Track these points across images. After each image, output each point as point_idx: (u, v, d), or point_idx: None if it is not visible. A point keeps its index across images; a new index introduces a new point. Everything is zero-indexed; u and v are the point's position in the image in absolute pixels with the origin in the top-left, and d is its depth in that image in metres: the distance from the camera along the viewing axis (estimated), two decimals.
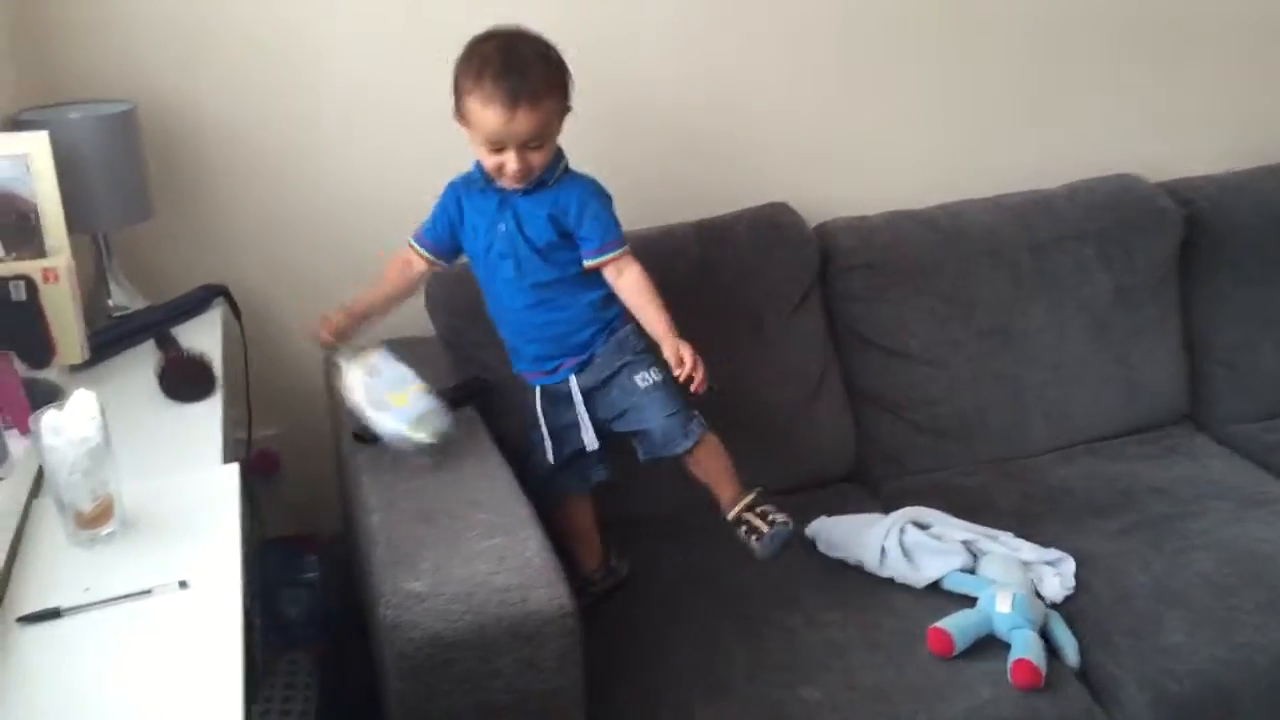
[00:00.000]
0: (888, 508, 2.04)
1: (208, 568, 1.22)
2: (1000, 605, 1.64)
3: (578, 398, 1.72)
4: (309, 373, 2.10)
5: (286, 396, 2.16)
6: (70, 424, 1.23)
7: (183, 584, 1.18)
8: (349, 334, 1.75)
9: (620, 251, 1.69)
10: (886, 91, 2.35)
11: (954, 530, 1.87)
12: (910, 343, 2.18)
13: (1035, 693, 1.57)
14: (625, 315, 1.73)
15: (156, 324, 1.80)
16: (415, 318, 2.02)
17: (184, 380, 1.63)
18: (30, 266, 1.59)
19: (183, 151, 1.98)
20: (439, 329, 2.00)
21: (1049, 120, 2.47)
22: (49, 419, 1.23)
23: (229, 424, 1.65)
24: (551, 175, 1.66)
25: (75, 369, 1.69)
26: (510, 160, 1.60)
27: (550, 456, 1.77)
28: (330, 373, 1.74)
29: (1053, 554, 1.84)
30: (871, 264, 2.18)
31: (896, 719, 1.52)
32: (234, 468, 1.42)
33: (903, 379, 2.19)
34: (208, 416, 1.59)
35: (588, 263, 1.68)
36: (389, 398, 1.66)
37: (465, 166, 1.88)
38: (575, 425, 1.73)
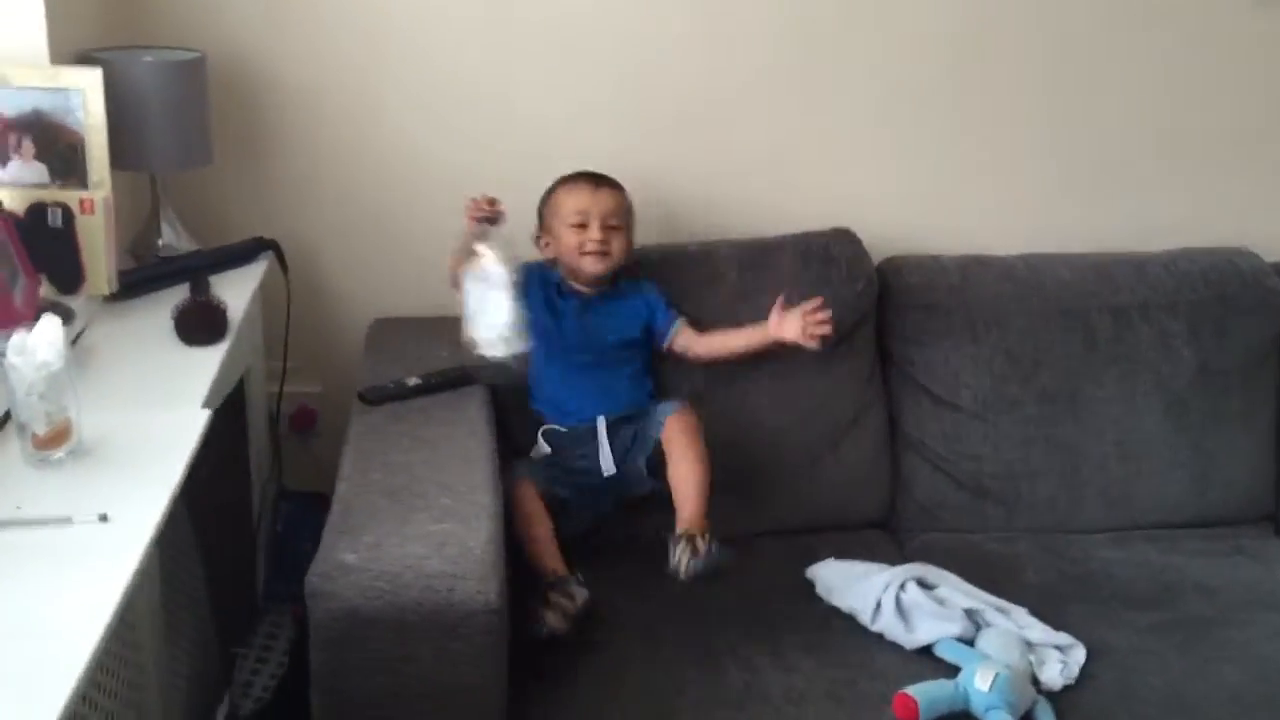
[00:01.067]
0: (907, 561, 1.94)
1: (136, 506, 1.23)
2: (980, 682, 1.53)
3: (602, 432, 1.85)
4: (352, 334, 2.14)
5: (330, 355, 2.19)
6: (35, 348, 1.27)
7: (103, 518, 1.20)
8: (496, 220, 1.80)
9: (681, 322, 1.96)
10: (992, 126, 2.24)
11: (960, 596, 1.76)
12: (962, 393, 2.07)
13: None
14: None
15: (194, 269, 1.84)
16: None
17: (197, 324, 1.67)
18: (69, 196, 1.66)
19: (248, 105, 2.05)
20: None
21: (1166, 180, 2.31)
22: (16, 340, 1.27)
23: (228, 371, 1.69)
24: (621, 279, 1.92)
25: (108, 300, 1.75)
26: (594, 231, 1.85)
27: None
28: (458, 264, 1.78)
29: (1063, 639, 1.71)
30: (932, 305, 2.08)
31: None
32: (205, 413, 1.45)
33: (949, 430, 2.08)
34: (207, 361, 1.61)
35: (665, 346, 1.95)
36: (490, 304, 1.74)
37: (518, 146, 2.07)
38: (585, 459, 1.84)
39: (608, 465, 1.83)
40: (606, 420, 1.86)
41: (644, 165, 2.12)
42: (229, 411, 1.89)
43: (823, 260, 2.06)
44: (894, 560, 1.93)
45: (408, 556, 1.36)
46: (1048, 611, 1.79)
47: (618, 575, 1.75)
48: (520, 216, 2.08)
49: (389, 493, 1.51)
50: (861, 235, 2.14)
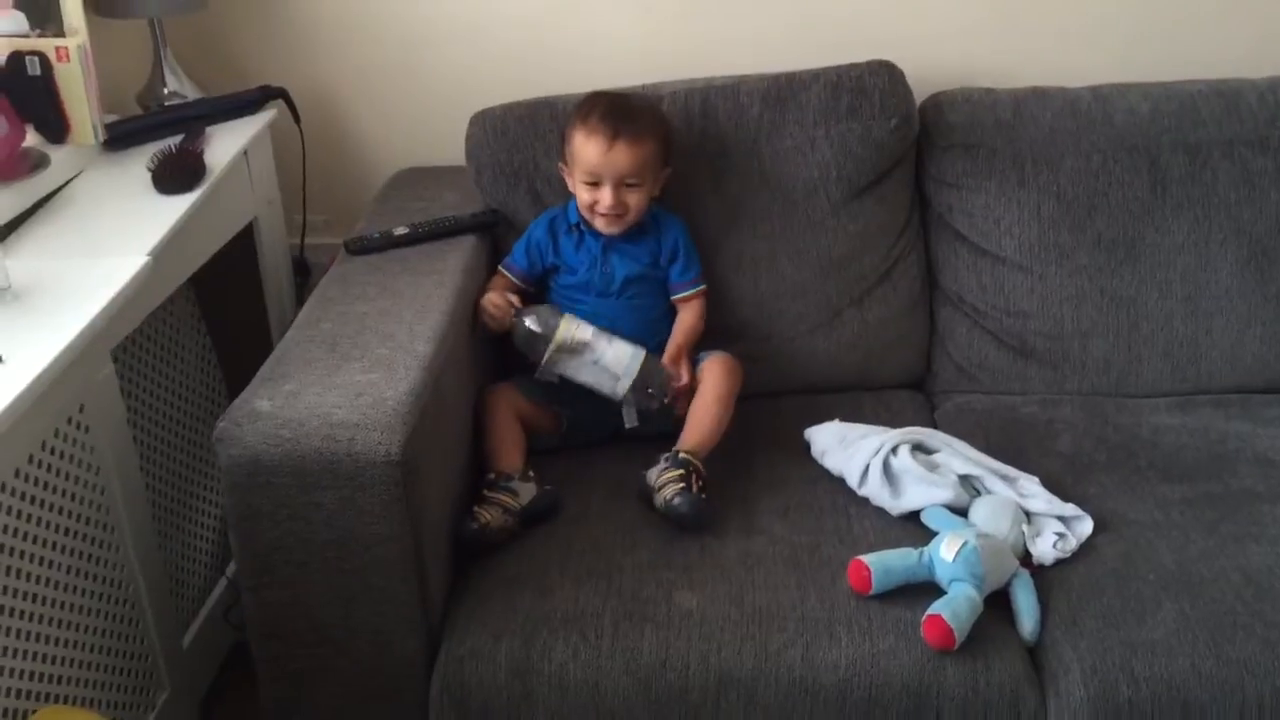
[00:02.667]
0: (940, 427, 1.81)
1: (36, 350, 1.25)
2: (945, 552, 1.42)
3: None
4: (370, 183, 2.11)
5: (358, 207, 2.18)
6: None
7: None
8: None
9: (697, 290, 1.81)
10: None
11: (959, 462, 1.62)
12: (1004, 241, 1.88)
13: (947, 655, 1.35)
14: None
15: (191, 118, 1.85)
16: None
17: (172, 173, 1.67)
18: (44, 44, 1.67)
19: None
20: (482, 188, 1.91)
21: None
22: None
23: (213, 220, 1.72)
24: (648, 219, 1.76)
25: (105, 150, 1.78)
26: (606, 195, 1.69)
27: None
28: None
29: (1070, 510, 1.56)
30: (974, 145, 1.88)
31: (765, 646, 1.36)
32: (141, 260, 1.45)
33: (989, 283, 1.90)
34: (171, 211, 1.61)
35: (674, 296, 1.80)
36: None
37: None
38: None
39: (630, 418, 1.72)
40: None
41: (673, 6, 2.02)
42: (237, 260, 1.92)
43: (854, 93, 1.88)
44: (922, 423, 1.81)
45: (320, 405, 1.35)
46: (1069, 481, 1.65)
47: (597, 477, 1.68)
48: (549, 57, 2.03)
49: (331, 342, 1.49)
50: (913, 69, 1.94)
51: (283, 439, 1.30)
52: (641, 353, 1.69)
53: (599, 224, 1.74)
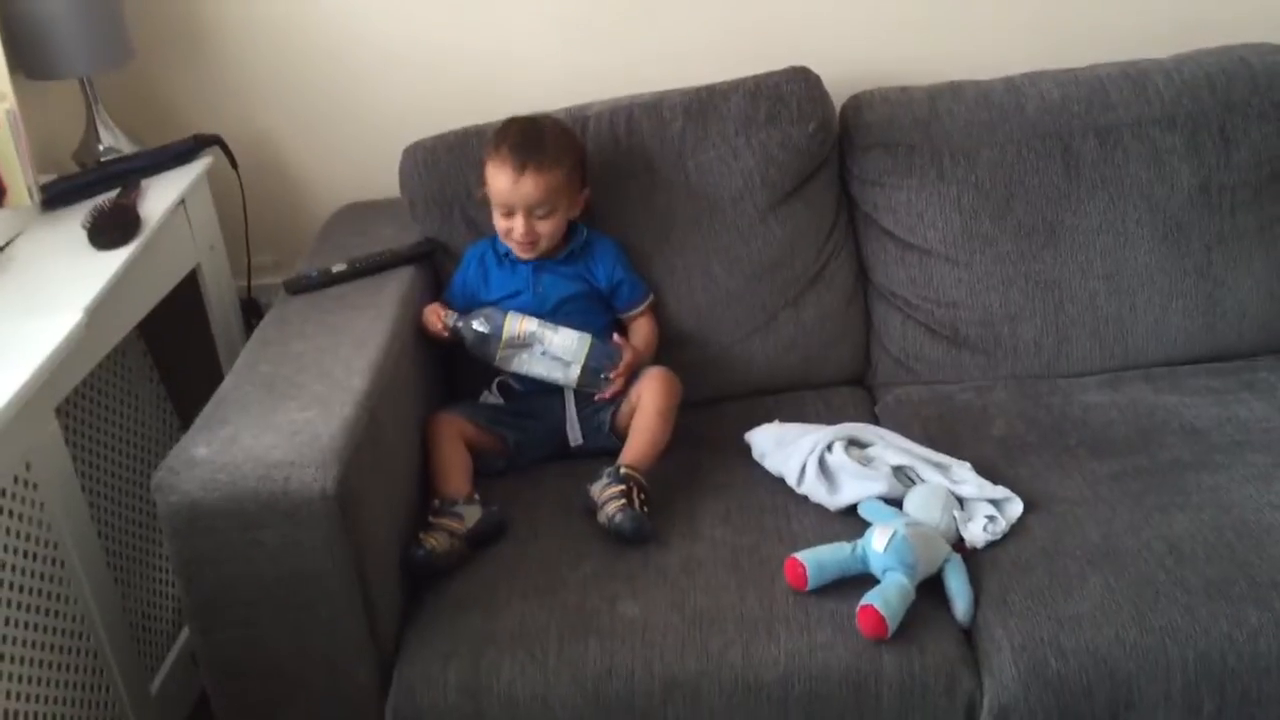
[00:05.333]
0: (880, 420, 1.86)
1: None
2: (876, 543, 1.46)
3: (571, 405, 1.81)
4: (314, 221, 2.15)
5: (303, 246, 2.22)
6: None
7: None
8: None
9: (648, 303, 1.87)
10: None
11: (892, 453, 1.66)
12: (928, 235, 1.93)
13: (882, 644, 1.39)
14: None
15: (124, 173, 1.88)
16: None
17: (106, 228, 1.71)
18: None
19: None
20: (417, 219, 1.96)
21: None
22: None
23: (152, 271, 1.76)
24: (578, 244, 1.81)
25: (45, 211, 1.81)
26: (517, 225, 1.74)
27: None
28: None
29: (1000, 492, 1.60)
30: (891, 143, 1.93)
31: (706, 648, 1.40)
32: (75, 317, 1.49)
33: (917, 276, 1.94)
34: (107, 266, 1.65)
35: (622, 316, 1.86)
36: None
37: (464, 9, 2.04)
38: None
39: (575, 436, 1.78)
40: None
41: (596, 26, 2.07)
42: (185, 306, 1.96)
43: (772, 101, 1.93)
44: (863, 418, 1.85)
45: (257, 447, 1.38)
46: (1002, 464, 1.69)
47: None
48: (478, 84, 2.08)
49: (269, 383, 1.53)
50: (832, 73, 1.99)
51: (220, 483, 1.34)
52: (587, 337, 1.75)
53: (515, 250, 1.80)
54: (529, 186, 1.72)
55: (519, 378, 1.80)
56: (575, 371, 1.75)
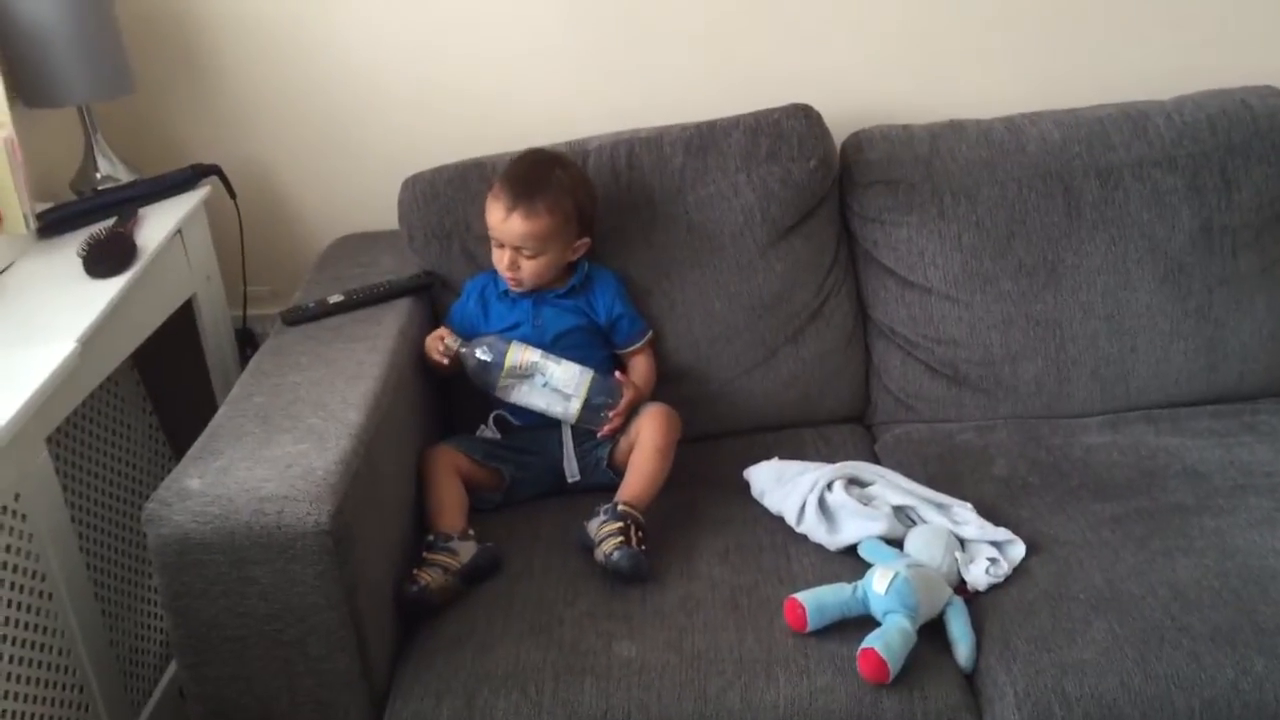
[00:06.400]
0: (881, 458, 1.85)
1: None
2: (877, 585, 1.44)
3: (568, 440, 1.79)
4: (311, 251, 2.14)
5: (300, 276, 2.21)
6: None
7: None
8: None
9: (646, 339, 1.86)
10: None
11: (892, 493, 1.65)
12: (929, 272, 1.92)
13: (883, 688, 1.37)
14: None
15: (121, 201, 1.87)
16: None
17: (101, 257, 1.69)
18: None
19: (176, 30, 2.04)
20: (415, 251, 1.95)
21: (1196, 14, 2.07)
22: None
23: (147, 301, 1.74)
24: (579, 278, 1.81)
25: (41, 238, 1.80)
26: (504, 257, 1.76)
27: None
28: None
29: (1001, 534, 1.59)
30: (892, 180, 1.92)
31: (704, 691, 1.37)
32: (67, 347, 1.47)
33: (917, 313, 1.93)
34: (102, 295, 1.63)
35: (620, 352, 1.85)
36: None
37: (464, 43, 2.04)
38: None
39: (572, 471, 1.77)
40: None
41: (598, 60, 2.08)
42: (180, 336, 1.94)
43: (773, 137, 1.92)
44: (863, 456, 1.84)
45: (250, 480, 1.36)
46: (1005, 505, 1.68)
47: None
48: (478, 117, 2.08)
49: (263, 415, 1.51)
50: (833, 110, 1.99)
51: (211, 516, 1.32)
52: (589, 372, 1.73)
53: (506, 282, 1.80)
54: (515, 225, 1.73)
55: (516, 411, 1.78)
56: (575, 406, 1.73)
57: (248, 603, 1.34)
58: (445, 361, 1.76)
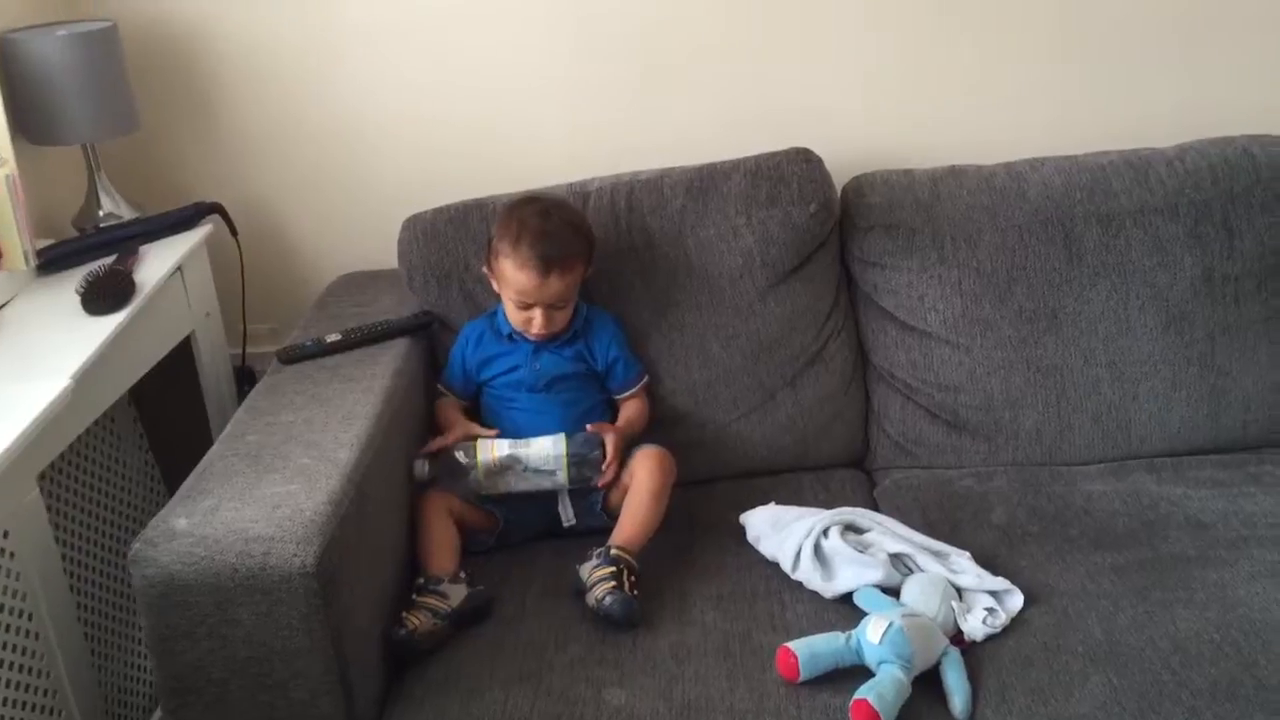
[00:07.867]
0: (879, 504, 1.83)
1: None
2: (871, 634, 1.42)
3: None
4: (311, 290, 2.14)
5: (300, 314, 2.21)
6: None
7: None
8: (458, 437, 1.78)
9: (641, 385, 1.86)
10: (986, 19, 2.05)
11: (890, 540, 1.63)
12: (929, 317, 1.91)
13: None
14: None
15: (123, 239, 1.88)
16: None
17: (99, 294, 1.70)
18: None
19: (180, 70, 2.06)
20: (414, 291, 1.95)
21: (1199, 62, 2.07)
22: None
23: (146, 337, 1.75)
24: (579, 323, 1.81)
25: (40, 275, 1.81)
26: (537, 317, 1.75)
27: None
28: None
29: (999, 584, 1.56)
30: (893, 225, 1.92)
31: None
32: (61, 383, 1.47)
33: (918, 359, 1.92)
34: (99, 332, 1.63)
35: (617, 397, 1.85)
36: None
37: (464, 81, 2.04)
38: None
39: (567, 516, 1.75)
40: None
41: (599, 103, 2.08)
42: (178, 373, 1.94)
43: (773, 181, 1.92)
44: (861, 502, 1.82)
45: (237, 520, 1.35)
46: (1003, 553, 1.66)
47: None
48: (479, 158, 2.10)
49: (254, 454, 1.50)
50: (834, 154, 1.99)
51: (197, 556, 1.31)
52: (561, 438, 1.71)
53: (530, 334, 1.79)
54: (556, 287, 1.72)
55: (510, 499, 1.75)
56: (562, 477, 1.71)
57: (231, 646, 1.32)
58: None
